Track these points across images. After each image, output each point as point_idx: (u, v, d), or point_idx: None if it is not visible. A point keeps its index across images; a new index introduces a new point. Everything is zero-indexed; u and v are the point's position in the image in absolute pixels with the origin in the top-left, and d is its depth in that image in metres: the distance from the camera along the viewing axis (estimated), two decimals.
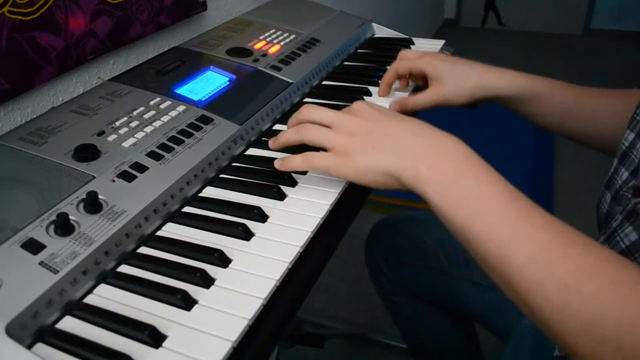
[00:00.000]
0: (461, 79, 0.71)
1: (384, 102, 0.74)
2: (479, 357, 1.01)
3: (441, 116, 0.73)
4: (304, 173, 0.58)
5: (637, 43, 3.43)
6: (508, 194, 0.43)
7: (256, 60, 0.77)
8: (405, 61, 0.74)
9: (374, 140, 0.49)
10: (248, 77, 0.73)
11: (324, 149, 0.53)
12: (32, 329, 0.39)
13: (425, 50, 0.77)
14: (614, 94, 0.70)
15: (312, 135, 0.53)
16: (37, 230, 0.44)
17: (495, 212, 0.42)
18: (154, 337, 0.38)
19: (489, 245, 0.42)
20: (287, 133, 0.55)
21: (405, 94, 0.76)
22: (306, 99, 0.77)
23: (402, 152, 0.48)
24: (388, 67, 0.85)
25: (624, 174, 0.57)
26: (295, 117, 0.56)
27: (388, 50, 0.93)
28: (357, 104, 0.54)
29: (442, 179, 0.45)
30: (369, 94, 0.77)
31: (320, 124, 0.53)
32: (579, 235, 0.40)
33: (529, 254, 0.40)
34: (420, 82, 0.77)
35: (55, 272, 0.41)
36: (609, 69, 3.04)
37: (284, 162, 0.55)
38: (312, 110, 0.55)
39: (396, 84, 0.77)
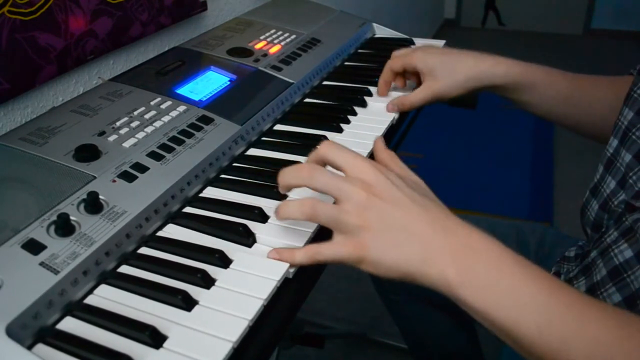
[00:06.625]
0: (453, 71, 0.71)
1: (383, 102, 0.74)
2: (479, 357, 1.01)
3: (441, 117, 0.73)
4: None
5: (637, 43, 3.43)
6: (547, 285, 0.40)
7: (257, 61, 0.77)
8: (398, 58, 0.75)
9: (398, 236, 0.43)
10: (249, 77, 0.73)
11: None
12: (33, 329, 0.39)
13: (417, 46, 0.78)
14: (608, 82, 0.69)
15: (322, 210, 0.45)
16: (38, 231, 0.44)
17: (542, 310, 0.39)
18: (154, 338, 0.38)
19: (540, 347, 0.39)
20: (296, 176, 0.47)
21: (404, 93, 0.76)
22: (307, 99, 0.77)
23: (429, 253, 0.42)
24: None
25: (612, 183, 0.56)
26: (311, 156, 0.48)
27: (388, 50, 0.92)
28: (373, 175, 0.45)
29: (476, 283, 0.41)
30: (370, 94, 0.77)
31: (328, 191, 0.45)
32: (630, 321, 0.38)
33: (587, 352, 0.37)
34: (415, 79, 0.77)
35: (56, 272, 0.41)
36: (609, 69, 3.03)
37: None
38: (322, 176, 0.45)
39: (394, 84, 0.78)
